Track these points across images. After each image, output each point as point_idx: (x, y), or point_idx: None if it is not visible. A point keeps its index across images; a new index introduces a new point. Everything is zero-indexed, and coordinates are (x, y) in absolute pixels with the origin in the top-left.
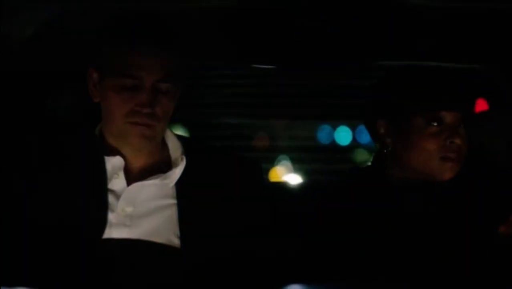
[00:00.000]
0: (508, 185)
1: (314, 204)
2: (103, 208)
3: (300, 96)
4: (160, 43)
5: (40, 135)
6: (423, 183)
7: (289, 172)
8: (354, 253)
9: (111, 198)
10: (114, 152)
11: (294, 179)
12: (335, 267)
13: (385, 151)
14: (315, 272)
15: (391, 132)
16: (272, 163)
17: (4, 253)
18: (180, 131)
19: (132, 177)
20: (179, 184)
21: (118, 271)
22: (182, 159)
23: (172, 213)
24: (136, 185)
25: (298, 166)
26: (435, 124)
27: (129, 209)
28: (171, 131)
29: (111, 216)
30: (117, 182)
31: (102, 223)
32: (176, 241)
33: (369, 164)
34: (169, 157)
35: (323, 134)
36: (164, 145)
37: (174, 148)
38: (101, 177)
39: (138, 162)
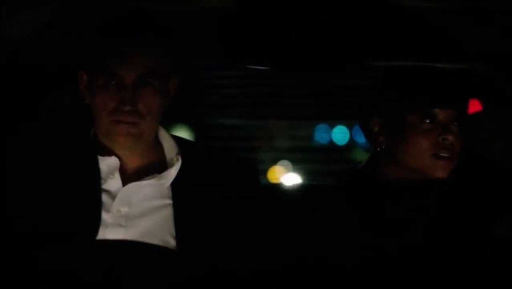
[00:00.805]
0: (507, 185)
1: (310, 205)
2: (96, 208)
3: (298, 96)
4: (142, 40)
5: (35, 135)
6: (417, 182)
7: (288, 171)
8: (349, 253)
9: (106, 198)
10: (110, 152)
11: (292, 178)
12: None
13: (379, 149)
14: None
15: (384, 130)
16: (270, 162)
17: None
18: (180, 132)
19: (127, 177)
20: (175, 184)
21: (113, 272)
22: (177, 159)
23: (167, 213)
24: (131, 185)
25: (296, 165)
26: (428, 121)
27: (124, 210)
28: (166, 131)
29: (106, 217)
30: (112, 182)
31: (96, 223)
32: (171, 241)
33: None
34: (164, 157)
35: (320, 134)
36: (159, 145)
37: (169, 148)
38: (95, 177)
39: (133, 162)
